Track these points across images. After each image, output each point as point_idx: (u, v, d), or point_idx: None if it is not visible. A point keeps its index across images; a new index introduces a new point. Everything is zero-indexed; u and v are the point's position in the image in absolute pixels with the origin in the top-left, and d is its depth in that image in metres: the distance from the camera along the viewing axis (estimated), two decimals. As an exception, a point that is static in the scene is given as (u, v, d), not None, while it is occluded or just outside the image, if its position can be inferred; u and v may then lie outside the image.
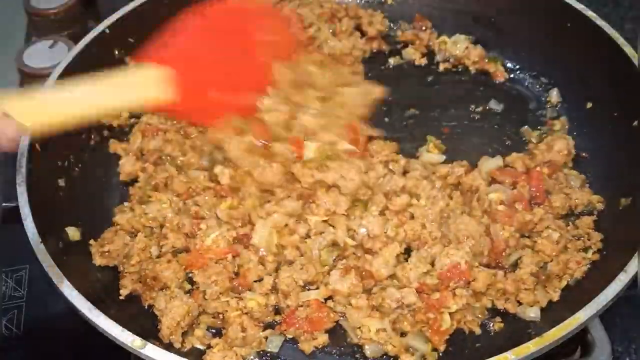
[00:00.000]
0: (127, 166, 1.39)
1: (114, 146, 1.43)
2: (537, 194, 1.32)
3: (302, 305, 1.17)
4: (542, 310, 1.18)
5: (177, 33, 1.18)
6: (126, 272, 1.23)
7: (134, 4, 1.51)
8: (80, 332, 1.14)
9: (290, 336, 1.16)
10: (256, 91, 1.21)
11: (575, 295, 1.18)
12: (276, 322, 1.18)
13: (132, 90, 1.11)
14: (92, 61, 1.41)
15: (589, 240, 1.26)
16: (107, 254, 1.24)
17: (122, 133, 1.48)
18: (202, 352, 1.13)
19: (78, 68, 1.38)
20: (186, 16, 1.19)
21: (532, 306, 1.18)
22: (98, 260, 1.24)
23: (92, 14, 1.87)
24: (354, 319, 1.15)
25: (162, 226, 1.28)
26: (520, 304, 1.19)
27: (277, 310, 1.20)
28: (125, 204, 1.35)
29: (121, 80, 1.11)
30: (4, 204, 1.28)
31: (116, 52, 1.49)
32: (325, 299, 1.19)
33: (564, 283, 1.21)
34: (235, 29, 1.22)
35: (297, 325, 1.15)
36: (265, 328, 1.18)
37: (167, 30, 1.16)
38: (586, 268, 1.22)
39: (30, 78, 1.66)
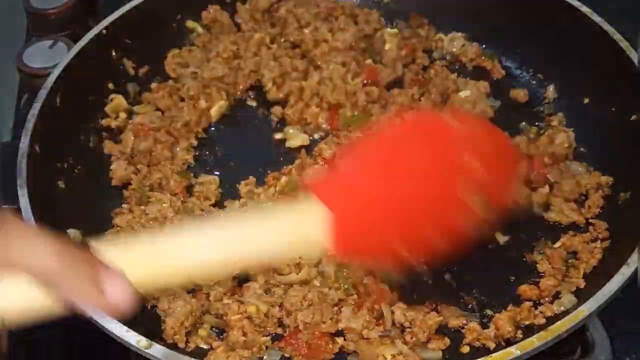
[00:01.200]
0: (119, 171, 1.33)
1: (110, 147, 1.38)
2: (538, 178, 1.30)
3: (305, 328, 1.10)
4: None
5: (347, 161, 0.89)
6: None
7: (130, 4, 1.47)
8: (80, 331, 1.10)
9: (287, 355, 1.09)
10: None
11: (580, 287, 1.15)
12: (278, 335, 1.13)
13: (288, 236, 0.82)
14: (90, 63, 1.40)
15: (594, 230, 1.24)
16: None
17: (119, 134, 1.43)
18: (207, 352, 1.10)
19: (75, 72, 1.35)
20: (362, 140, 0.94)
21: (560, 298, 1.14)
22: None
23: (93, 14, 1.82)
24: (367, 354, 1.07)
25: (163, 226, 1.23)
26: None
27: (282, 323, 1.13)
28: (124, 206, 1.30)
29: (272, 222, 0.82)
30: (3, 206, 1.24)
31: (113, 54, 1.46)
32: (333, 334, 1.11)
33: (582, 272, 1.17)
34: (437, 151, 0.87)
35: (296, 346, 1.08)
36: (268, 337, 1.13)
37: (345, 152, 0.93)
38: (601, 255, 1.19)
39: (30, 78, 1.61)
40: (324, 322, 1.09)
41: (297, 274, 1.15)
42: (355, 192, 0.86)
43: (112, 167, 1.35)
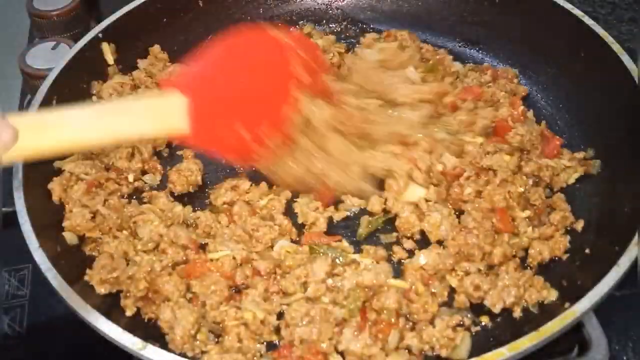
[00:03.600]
0: (76, 218, 1.18)
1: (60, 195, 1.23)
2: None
3: (301, 343, 1.04)
4: (538, 305, 1.11)
5: (199, 61, 1.07)
6: (129, 294, 1.10)
7: (127, 7, 1.44)
8: (83, 330, 1.07)
9: None
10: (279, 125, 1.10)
11: (571, 289, 1.10)
12: (274, 344, 1.08)
13: (149, 118, 1.00)
14: (87, 66, 1.36)
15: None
16: (111, 280, 1.11)
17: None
18: (201, 354, 1.05)
19: (72, 74, 1.31)
20: (210, 45, 1.09)
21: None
22: (101, 289, 1.10)
23: (94, 16, 1.79)
24: None
25: (157, 245, 1.17)
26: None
27: (279, 331, 1.08)
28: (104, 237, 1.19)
29: (138, 107, 1.02)
30: (3, 209, 1.21)
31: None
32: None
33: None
34: (261, 57, 1.11)
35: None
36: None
37: (192, 58, 1.08)
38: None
39: (32, 79, 1.58)
40: (322, 342, 1.04)
41: (303, 292, 1.10)
42: (207, 86, 1.05)
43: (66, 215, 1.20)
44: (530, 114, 1.38)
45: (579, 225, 1.20)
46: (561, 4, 1.39)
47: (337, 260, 1.13)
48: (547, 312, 1.08)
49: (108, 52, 1.41)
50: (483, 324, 1.10)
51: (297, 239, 1.20)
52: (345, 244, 1.18)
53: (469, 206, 1.21)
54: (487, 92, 1.39)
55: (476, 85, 1.40)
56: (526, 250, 1.17)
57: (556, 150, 1.30)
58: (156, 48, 1.48)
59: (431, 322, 1.08)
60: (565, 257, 1.16)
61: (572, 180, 1.27)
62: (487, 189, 1.21)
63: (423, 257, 1.13)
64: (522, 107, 1.37)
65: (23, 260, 1.29)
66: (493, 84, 1.43)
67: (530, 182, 1.25)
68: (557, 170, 1.26)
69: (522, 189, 1.21)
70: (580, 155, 1.30)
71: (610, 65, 1.28)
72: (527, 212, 1.19)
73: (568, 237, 1.18)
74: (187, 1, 1.53)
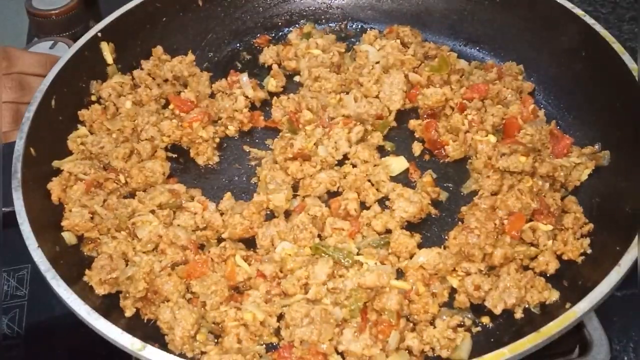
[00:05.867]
0: (75, 218, 1.17)
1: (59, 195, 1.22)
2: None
3: (301, 344, 1.04)
4: (540, 306, 1.10)
5: None
6: (129, 295, 1.09)
7: (126, 6, 1.43)
8: (82, 330, 1.07)
9: None
10: None
11: (572, 290, 1.10)
12: (274, 345, 1.08)
13: None
14: (85, 66, 1.35)
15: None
16: (110, 280, 1.10)
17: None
18: (201, 354, 1.05)
19: (70, 74, 1.31)
20: None
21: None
22: (100, 290, 1.09)
23: (93, 15, 1.79)
24: None
25: (157, 245, 1.16)
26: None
27: (278, 332, 1.08)
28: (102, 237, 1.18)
29: None
30: (3, 208, 1.20)
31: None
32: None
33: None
34: None
35: None
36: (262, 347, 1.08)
37: None
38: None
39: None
40: (322, 342, 1.03)
41: (304, 293, 1.09)
42: None
43: (65, 215, 1.19)
44: (541, 113, 1.37)
45: (587, 228, 1.19)
46: (562, 3, 1.39)
47: (342, 262, 1.13)
48: (548, 312, 1.07)
49: (107, 51, 1.40)
50: (484, 324, 1.10)
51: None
52: (351, 245, 1.17)
53: (472, 208, 1.21)
54: (493, 89, 1.39)
55: (482, 83, 1.40)
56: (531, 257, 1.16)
57: (566, 149, 1.29)
58: (159, 49, 1.47)
59: (432, 322, 1.08)
60: (580, 259, 1.15)
61: (584, 177, 1.26)
62: (498, 197, 1.20)
63: (423, 256, 1.13)
64: (532, 106, 1.36)
65: (22, 260, 1.30)
66: (499, 81, 1.42)
67: (547, 185, 1.22)
68: (569, 168, 1.25)
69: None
70: (587, 150, 1.29)
71: (611, 65, 1.27)
72: (549, 227, 1.17)
73: (587, 240, 1.15)
74: (186, 1, 1.53)
